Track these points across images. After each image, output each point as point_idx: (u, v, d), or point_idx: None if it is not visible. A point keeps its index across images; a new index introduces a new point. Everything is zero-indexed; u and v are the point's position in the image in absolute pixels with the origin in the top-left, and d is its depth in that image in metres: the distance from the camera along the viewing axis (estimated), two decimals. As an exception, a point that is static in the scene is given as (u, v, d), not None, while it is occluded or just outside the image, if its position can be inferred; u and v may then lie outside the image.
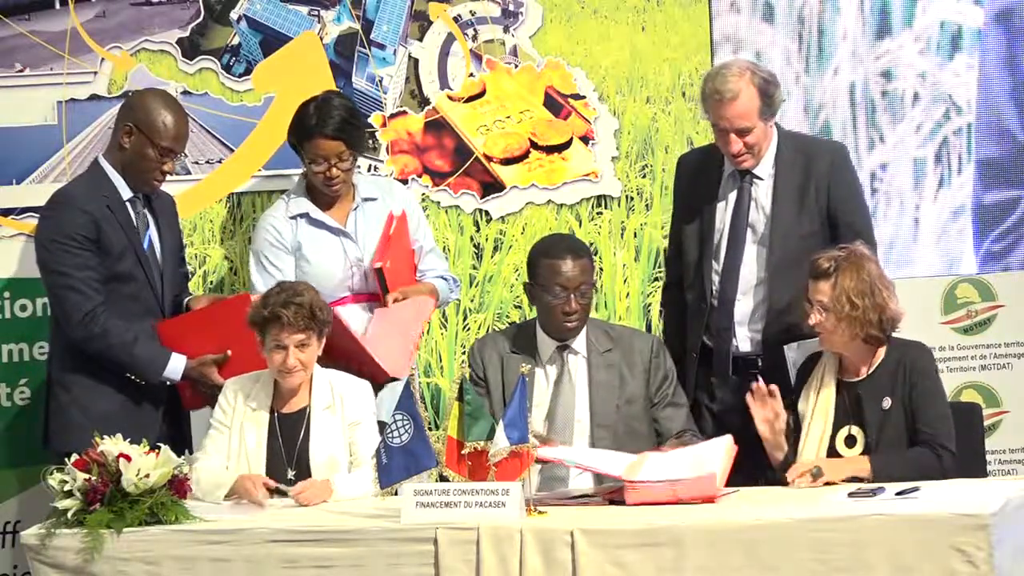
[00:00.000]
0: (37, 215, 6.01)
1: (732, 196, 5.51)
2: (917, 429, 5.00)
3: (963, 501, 4.42)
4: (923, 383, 5.03)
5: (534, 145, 6.49)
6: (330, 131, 5.71)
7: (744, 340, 5.48)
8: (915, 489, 4.58)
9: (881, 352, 5.08)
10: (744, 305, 5.47)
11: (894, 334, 5.12)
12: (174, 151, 5.68)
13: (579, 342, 5.38)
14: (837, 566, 4.37)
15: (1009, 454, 6.23)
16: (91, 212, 5.60)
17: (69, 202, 5.65)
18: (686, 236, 5.58)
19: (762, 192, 5.48)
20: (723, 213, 5.51)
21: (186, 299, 5.86)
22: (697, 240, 5.54)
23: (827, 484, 4.86)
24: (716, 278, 5.49)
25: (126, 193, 5.68)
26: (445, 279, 5.94)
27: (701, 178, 5.57)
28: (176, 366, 5.60)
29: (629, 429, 5.30)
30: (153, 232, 5.75)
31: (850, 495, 4.62)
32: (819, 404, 5.09)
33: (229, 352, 5.58)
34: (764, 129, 5.43)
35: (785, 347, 5.39)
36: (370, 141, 6.41)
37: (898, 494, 4.56)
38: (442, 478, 4.76)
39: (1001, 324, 6.28)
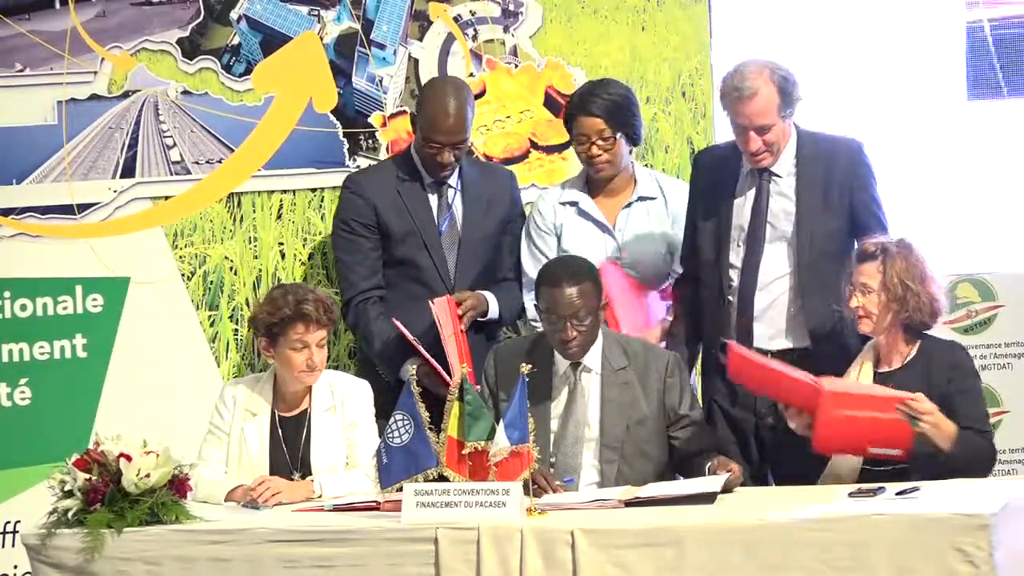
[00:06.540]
0: (37, 215, 6.02)
1: (751, 194, 5.50)
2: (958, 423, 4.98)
3: (963, 501, 4.42)
4: (961, 380, 5.05)
5: (534, 145, 6.49)
6: (592, 109, 5.73)
7: (762, 336, 5.48)
8: (915, 489, 4.58)
9: (915, 345, 5.09)
10: (762, 301, 5.48)
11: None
12: (445, 144, 5.74)
13: (593, 359, 5.26)
14: (837, 566, 4.37)
15: (1009, 454, 6.22)
16: (369, 198, 5.81)
17: (351, 187, 5.89)
18: (702, 233, 5.58)
19: (782, 190, 5.49)
20: (741, 211, 5.51)
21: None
22: (714, 238, 5.54)
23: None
24: (735, 275, 5.50)
25: (429, 177, 5.84)
26: None
27: (719, 175, 5.57)
28: (408, 369, 5.58)
29: (638, 451, 5.22)
30: (457, 213, 5.85)
31: (850, 495, 4.62)
32: None
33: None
34: (783, 127, 5.44)
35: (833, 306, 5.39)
36: (370, 140, 6.42)
37: (898, 494, 4.56)
38: (442, 478, 4.76)
39: (1001, 324, 6.28)
